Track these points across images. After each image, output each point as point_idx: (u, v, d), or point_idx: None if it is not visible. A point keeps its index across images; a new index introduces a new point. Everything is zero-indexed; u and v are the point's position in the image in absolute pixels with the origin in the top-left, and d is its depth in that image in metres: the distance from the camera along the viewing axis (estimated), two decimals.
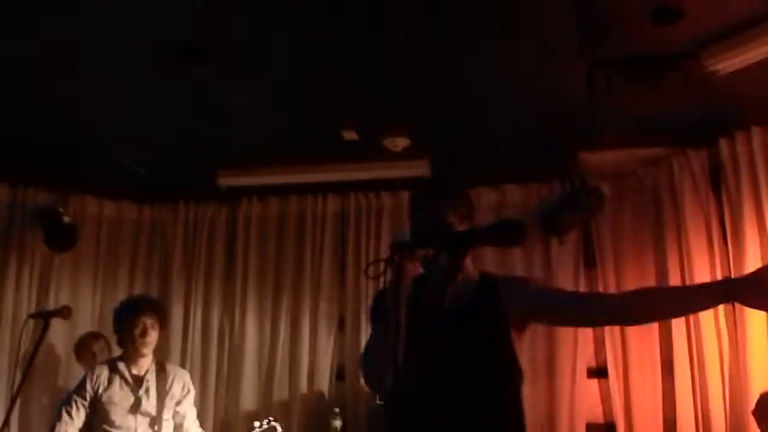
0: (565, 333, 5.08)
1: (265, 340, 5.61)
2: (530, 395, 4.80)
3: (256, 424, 4.04)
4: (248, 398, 5.52)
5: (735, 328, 4.55)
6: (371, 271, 2.17)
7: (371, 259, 5.57)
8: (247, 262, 5.77)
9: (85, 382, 4.08)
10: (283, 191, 5.75)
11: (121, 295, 5.63)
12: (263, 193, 5.78)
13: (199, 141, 5.02)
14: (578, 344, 5.11)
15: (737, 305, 4.48)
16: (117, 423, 4.00)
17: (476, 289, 2.48)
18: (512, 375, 2.45)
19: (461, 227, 2.42)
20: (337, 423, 5.02)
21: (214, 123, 4.74)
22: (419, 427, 2.43)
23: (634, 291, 2.68)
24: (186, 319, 5.69)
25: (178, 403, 4.16)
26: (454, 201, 2.48)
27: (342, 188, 5.66)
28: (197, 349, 5.67)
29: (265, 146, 5.08)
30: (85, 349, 5.15)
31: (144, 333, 4.06)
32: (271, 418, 4.05)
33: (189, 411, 4.20)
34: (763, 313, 4.36)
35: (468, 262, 2.50)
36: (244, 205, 5.85)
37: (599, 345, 5.17)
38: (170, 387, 4.13)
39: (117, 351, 5.45)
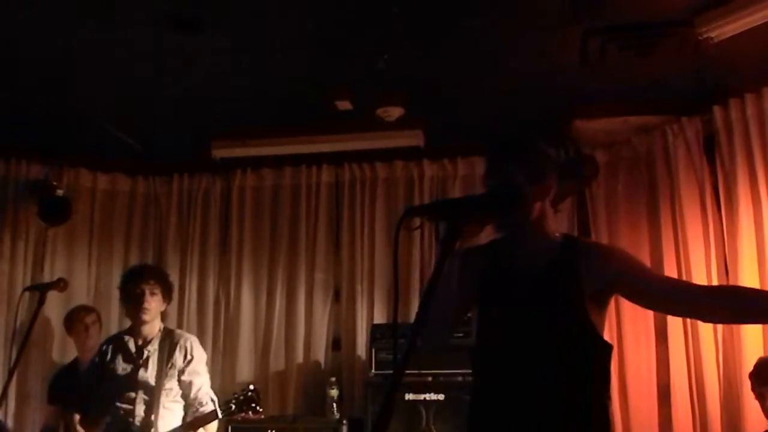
0: None
1: (261, 310, 5.63)
2: None
3: (235, 395, 4.00)
4: (244, 369, 5.55)
5: None
6: (412, 225, 2.08)
7: (366, 229, 5.58)
8: (242, 233, 5.77)
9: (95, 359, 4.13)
10: (277, 162, 5.74)
11: (116, 268, 5.65)
12: (257, 164, 5.77)
13: (193, 112, 5.00)
14: None
15: (730, 272, 4.55)
16: (117, 394, 4.00)
17: (557, 252, 2.35)
18: (592, 349, 2.32)
19: (532, 187, 2.32)
20: (334, 392, 5.05)
21: (208, 94, 4.73)
22: (495, 399, 2.36)
23: (726, 288, 2.53)
24: (181, 291, 5.70)
25: (182, 372, 4.05)
26: (522, 158, 2.37)
27: (336, 159, 5.66)
28: (193, 321, 5.69)
29: (259, 117, 5.07)
30: (75, 322, 5.15)
31: (142, 300, 4.02)
32: (251, 387, 4.03)
33: (195, 379, 4.07)
34: (756, 279, 4.40)
35: (550, 223, 2.38)
36: (239, 177, 5.84)
37: None
38: (172, 355, 4.05)
39: (111, 325, 5.52)
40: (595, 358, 2.32)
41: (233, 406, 3.90)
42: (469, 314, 2.48)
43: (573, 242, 2.41)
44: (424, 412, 4.64)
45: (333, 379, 5.15)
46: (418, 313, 2.12)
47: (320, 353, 5.50)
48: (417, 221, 2.06)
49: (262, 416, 5.03)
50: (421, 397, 4.65)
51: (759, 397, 3.78)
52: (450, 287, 2.34)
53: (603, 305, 2.35)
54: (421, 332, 2.09)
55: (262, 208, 5.79)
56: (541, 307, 2.31)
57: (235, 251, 5.74)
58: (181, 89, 4.65)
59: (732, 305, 2.22)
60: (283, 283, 5.63)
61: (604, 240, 5.20)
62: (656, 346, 4.92)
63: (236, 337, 5.60)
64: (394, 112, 4.85)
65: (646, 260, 5.02)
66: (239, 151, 5.45)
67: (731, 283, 4.53)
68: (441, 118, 5.04)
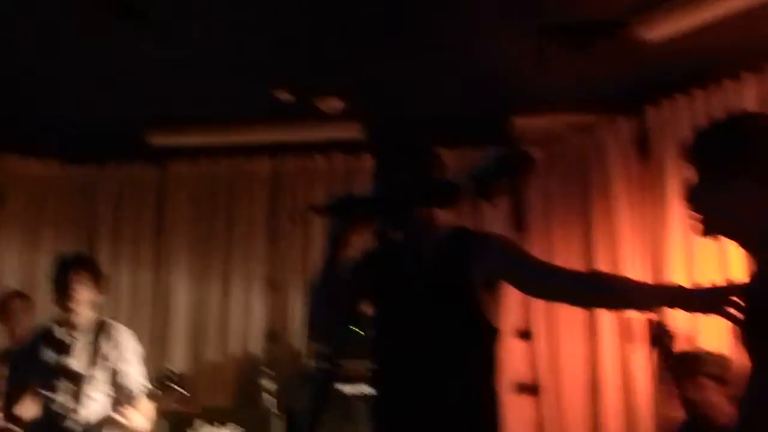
0: None
1: (196, 301, 5.57)
2: None
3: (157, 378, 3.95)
4: (178, 359, 5.48)
5: None
6: (299, 218, 2.18)
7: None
8: (176, 223, 5.70)
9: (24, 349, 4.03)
10: (214, 152, 5.68)
11: (48, 256, 5.52)
12: (194, 153, 5.71)
13: (129, 98, 4.92)
14: (506, 306, 5.18)
15: (664, 266, 4.67)
16: (44, 383, 3.93)
17: (447, 245, 2.47)
18: (478, 334, 2.44)
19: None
20: (268, 384, 5.02)
21: (145, 80, 4.65)
22: (394, 391, 2.46)
23: (590, 274, 2.68)
24: (114, 280, 5.60)
25: (111, 361, 3.97)
26: (415, 160, 2.46)
27: (275, 150, 5.62)
28: (125, 309, 5.59)
29: (196, 105, 5.00)
30: (5, 308, 5.02)
31: (70, 289, 3.95)
32: (173, 369, 3.99)
33: (125, 367, 4.00)
34: (686, 274, 4.52)
35: (441, 216, 2.48)
36: (174, 166, 5.76)
37: (526, 306, 5.26)
38: (100, 345, 3.98)
39: (44, 312, 5.40)
40: (483, 346, 2.45)
41: (156, 390, 3.85)
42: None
43: (462, 234, 2.51)
44: (360, 405, 4.65)
45: (268, 370, 5.11)
46: (311, 306, 2.21)
47: (256, 344, 5.47)
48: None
49: (195, 407, 5.03)
50: (358, 389, 4.66)
51: (691, 389, 3.89)
52: (346, 280, 2.43)
53: (494, 293, 2.48)
54: (316, 325, 2.19)
55: (198, 198, 5.72)
56: (431, 298, 2.43)
57: (170, 241, 5.67)
58: (117, 75, 4.56)
59: (596, 290, 2.39)
60: (219, 273, 5.58)
61: (538, 236, 5.27)
62: (587, 341, 5.01)
63: (169, 327, 5.53)
64: (335, 104, 4.84)
65: (578, 256, 5.13)
66: (176, 140, 5.38)
67: (662, 279, 4.64)
68: (382, 112, 5.05)
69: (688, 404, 3.85)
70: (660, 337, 3.99)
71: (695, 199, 1.91)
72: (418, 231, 2.48)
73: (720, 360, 3.92)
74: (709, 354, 3.99)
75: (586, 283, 2.51)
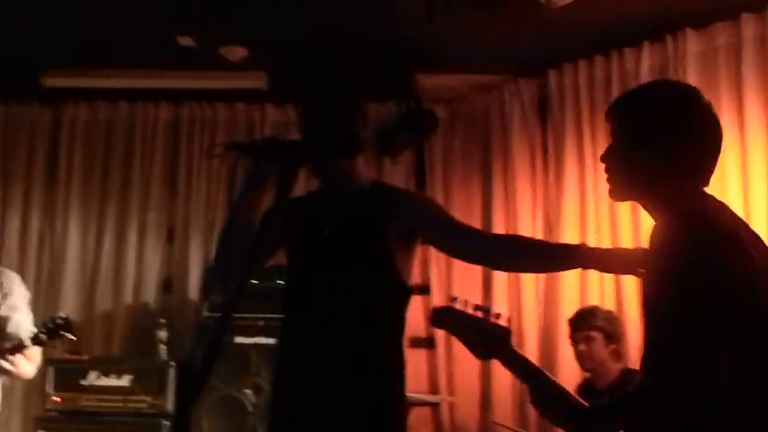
0: None
1: (89, 249, 5.43)
2: None
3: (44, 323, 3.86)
4: (69, 308, 5.32)
5: None
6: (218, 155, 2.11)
7: (203, 170, 5.47)
8: (71, 167, 5.51)
9: None
10: (112, 96, 5.50)
11: None
12: (91, 96, 5.51)
13: (21, 36, 4.70)
14: None
15: (559, 227, 4.80)
16: None
17: (364, 199, 2.46)
18: (389, 290, 2.45)
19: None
20: (162, 334, 4.96)
21: (39, 17, 4.45)
22: (297, 337, 2.47)
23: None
24: (2, 224, 5.41)
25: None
26: (338, 110, 2.46)
27: (175, 96, 5.49)
28: (14, 255, 5.40)
29: (95, 46, 4.82)
30: None
31: None
32: (61, 314, 3.91)
33: (13, 314, 3.89)
34: (577, 236, 4.66)
35: (361, 170, 2.48)
36: (70, 109, 5.56)
37: (424, 263, 5.34)
38: None
39: None
40: (393, 302, 2.47)
41: (42, 335, 3.76)
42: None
43: (381, 189, 2.53)
44: (254, 356, 4.65)
45: (162, 320, 5.05)
46: (223, 254, 2.19)
47: (150, 294, 5.38)
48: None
49: (85, 357, 4.95)
50: (252, 341, 4.65)
51: (573, 342, 4.03)
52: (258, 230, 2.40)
53: (409, 251, 2.48)
54: (228, 273, 2.17)
55: (94, 143, 5.55)
56: (344, 252, 2.44)
57: (63, 185, 5.49)
58: (8, 9, 4.36)
59: (513, 252, 2.46)
60: (114, 220, 5.45)
61: (440, 192, 5.34)
62: (482, 297, 5.12)
63: (60, 275, 5.38)
64: (238, 53, 4.75)
65: (477, 214, 5.22)
66: (72, 82, 5.19)
67: (555, 238, 4.77)
68: (286, 63, 4.98)
69: (580, 357, 4.01)
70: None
71: (610, 159, 1.95)
72: (336, 182, 2.46)
73: (610, 316, 4.08)
74: (600, 309, 4.15)
75: (504, 245, 2.55)
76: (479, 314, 2.17)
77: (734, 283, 1.69)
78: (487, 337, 2.13)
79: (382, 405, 2.40)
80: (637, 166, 1.89)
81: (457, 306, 2.22)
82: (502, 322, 2.14)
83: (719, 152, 1.91)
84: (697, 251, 1.71)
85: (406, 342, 5.13)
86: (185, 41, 4.65)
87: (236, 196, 2.44)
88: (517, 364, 2.09)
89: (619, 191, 1.97)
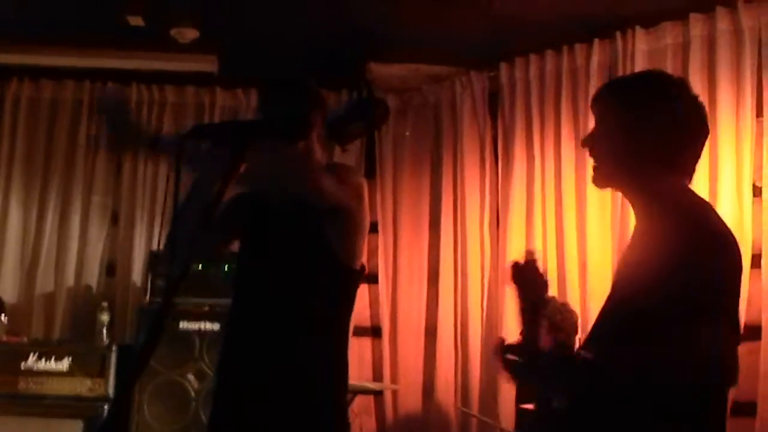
0: None
1: (30, 229, 5.31)
2: None
3: None
4: (8, 289, 5.23)
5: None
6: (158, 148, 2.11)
7: (148, 153, 5.39)
8: (13, 146, 5.38)
9: None
10: (58, 74, 5.39)
11: None
12: (36, 74, 5.38)
13: None
14: None
15: (501, 221, 4.84)
16: None
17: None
18: (328, 273, 2.43)
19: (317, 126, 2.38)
20: (104, 318, 4.89)
21: None
22: (238, 323, 2.47)
23: None
24: None
25: None
26: (291, 95, 2.43)
27: (124, 77, 5.39)
28: None
29: (41, 23, 4.72)
30: None
31: None
32: None
33: None
34: (523, 229, 4.71)
35: (317, 156, 2.45)
36: (14, 86, 5.42)
37: (371, 253, 5.35)
38: None
39: None
40: (336, 286, 2.46)
41: None
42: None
43: (333, 167, 2.52)
44: (197, 342, 4.61)
45: (105, 304, 4.98)
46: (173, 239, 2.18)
47: (92, 277, 5.30)
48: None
49: (25, 340, 4.86)
50: (196, 326, 4.61)
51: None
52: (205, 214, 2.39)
53: (354, 233, 2.46)
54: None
55: (38, 122, 5.42)
56: (286, 237, 2.43)
57: (5, 164, 5.35)
58: None
59: None
60: (57, 202, 5.34)
61: (389, 182, 5.34)
62: (428, 288, 5.15)
63: (0, 255, 5.26)
64: (189, 34, 4.69)
65: (426, 204, 5.26)
66: (16, 58, 5.07)
67: (500, 232, 4.82)
68: (237, 47, 4.93)
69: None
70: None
71: (596, 145, 1.94)
72: (286, 167, 2.44)
73: (562, 308, 4.13)
74: (553, 299, 4.20)
75: None
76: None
77: (720, 278, 1.72)
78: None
79: (322, 391, 2.39)
80: (628, 151, 1.88)
81: (534, 263, 2.12)
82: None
83: (702, 149, 1.92)
84: (691, 248, 1.71)
85: (350, 330, 5.16)
86: (135, 21, 4.57)
87: (191, 181, 2.42)
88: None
89: (605, 178, 1.95)
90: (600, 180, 1.96)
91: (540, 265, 2.09)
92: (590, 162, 1.97)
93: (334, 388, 2.43)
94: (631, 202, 1.95)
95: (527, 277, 2.10)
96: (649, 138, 1.86)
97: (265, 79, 2.57)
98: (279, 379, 2.36)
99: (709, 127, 1.96)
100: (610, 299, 1.88)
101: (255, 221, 2.53)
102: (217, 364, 2.56)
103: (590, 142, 1.96)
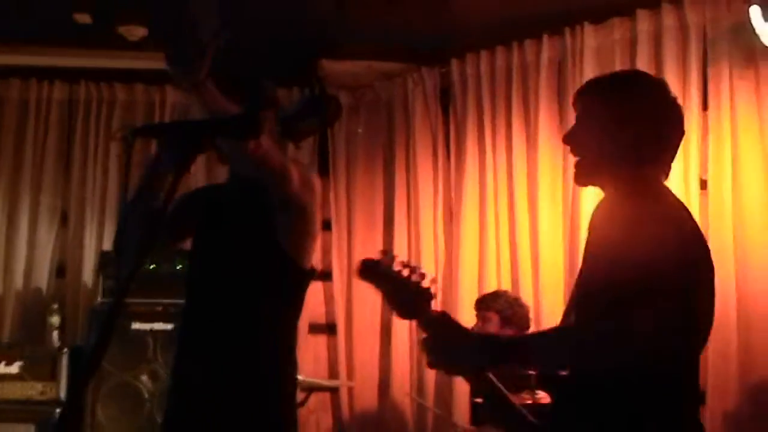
0: None
1: None
2: None
3: None
4: None
5: (451, 238, 4.91)
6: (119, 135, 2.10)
7: (99, 153, 5.32)
8: None
9: None
10: (3, 73, 5.29)
11: None
12: None
13: None
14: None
15: (454, 217, 4.87)
16: None
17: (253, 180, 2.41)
18: (276, 272, 2.42)
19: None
20: (55, 320, 4.82)
21: None
22: (188, 323, 2.49)
23: None
24: None
25: None
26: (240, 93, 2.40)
27: (71, 75, 5.31)
28: None
29: None
30: None
31: None
32: None
33: None
34: (477, 222, 4.75)
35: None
36: None
37: (326, 250, 5.35)
38: None
39: None
40: (284, 285, 2.44)
41: None
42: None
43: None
44: (151, 342, 4.57)
45: (55, 306, 4.91)
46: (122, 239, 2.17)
47: (42, 279, 5.21)
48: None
49: None
50: (149, 326, 4.56)
51: (480, 319, 4.11)
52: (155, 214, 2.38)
53: (304, 231, 2.45)
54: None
55: None
56: (241, 234, 2.42)
57: None
58: None
59: None
60: (4, 203, 5.24)
61: (342, 179, 5.34)
62: None
63: None
64: (138, 32, 4.64)
65: (380, 200, 5.27)
66: None
67: (454, 229, 4.85)
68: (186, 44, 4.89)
69: None
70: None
71: (579, 142, 1.98)
72: (242, 166, 2.42)
73: (514, 302, 4.17)
74: (505, 294, 4.24)
75: None
76: (405, 272, 2.09)
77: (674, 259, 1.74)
78: (410, 298, 2.07)
79: (271, 390, 2.39)
80: (610, 148, 1.92)
81: (385, 261, 2.12)
82: (426, 284, 2.07)
83: (678, 147, 1.98)
84: (648, 225, 1.76)
85: (306, 328, 5.18)
86: (82, 18, 4.51)
87: (139, 180, 2.41)
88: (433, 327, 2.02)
89: (587, 175, 1.98)
90: (582, 177, 1.99)
91: (397, 265, 2.07)
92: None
93: (283, 386, 2.43)
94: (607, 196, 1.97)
95: (380, 276, 2.10)
96: (631, 135, 1.90)
97: (215, 78, 2.55)
98: (228, 378, 2.36)
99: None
100: (579, 279, 1.91)
101: (206, 219, 2.52)
102: (172, 364, 2.55)
103: (571, 140, 1.99)
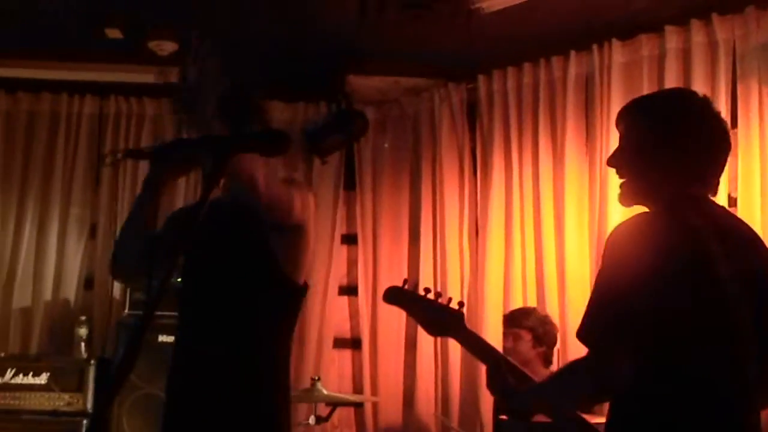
0: (320, 252, 5.22)
1: (7, 242, 5.26)
2: None
3: None
4: None
5: (476, 253, 4.89)
6: (109, 160, 2.15)
7: (129, 166, 5.37)
8: None
9: None
10: (35, 86, 5.36)
11: None
12: (13, 86, 5.36)
13: None
14: (332, 263, 5.26)
15: (480, 232, 4.86)
16: None
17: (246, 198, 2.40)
18: (267, 288, 2.43)
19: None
20: (83, 331, 4.86)
21: None
22: (180, 339, 2.50)
23: None
24: None
25: None
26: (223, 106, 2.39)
27: (102, 90, 5.38)
28: None
29: (18, 35, 4.70)
30: None
31: None
32: None
33: None
34: (502, 239, 4.73)
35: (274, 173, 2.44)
36: None
37: (351, 264, 5.35)
38: None
39: None
40: (276, 301, 2.44)
41: None
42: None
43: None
44: None
45: (83, 318, 4.95)
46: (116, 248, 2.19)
47: (70, 291, 5.25)
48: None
49: (2, 354, 4.82)
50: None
51: (504, 338, 4.09)
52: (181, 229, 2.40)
53: (296, 246, 2.44)
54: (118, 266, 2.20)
55: (14, 134, 5.38)
56: (234, 248, 2.43)
57: None
58: None
59: None
60: (34, 215, 5.30)
61: (368, 194, 5.35)
62: None
63: None
64: (168, 47, 4.69)
65: (405, 216, 5.26)
66: None
67: (480, 244, 4.84)
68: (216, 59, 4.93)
69: (505, 354, 4.06)
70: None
71: (623, 163, 1.98)
72: (241, 183, 2.42)
73: (545, 320, 4.15)
74: (535, 311, 4.22)
75: None
76: (431, 295, 2.28)
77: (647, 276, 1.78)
78: (441, 317, 2.24)
79: (262, 405, 2.39)
80: (654, 167, 1.93)
81: (409, 287, 2.35)
82: (454, 305, 2.25)
83: (725, 162, 2.00)
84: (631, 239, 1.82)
85: (330, 342, 5.19)
86: (113, 33, 4.56)
87: (137, 198, 2.46)
88: (472, 343, 2.24)
89: (632, 195, 1.99)
90: (626, 197, 2.00)
91: (421, 291, 2.31)
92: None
93: (278, 401, 2.42)
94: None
95: (406, 299, 2.35)
96: (673, 155, 1.92)
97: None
98: (223, 393, 2.36)
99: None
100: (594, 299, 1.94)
101: (200, 235, 2.49)
102: (166, 381, 2.53)
103: (616, 162, 2.00)
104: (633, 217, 1.89)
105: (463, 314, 2.25)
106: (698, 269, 1.83)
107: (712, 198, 1.99)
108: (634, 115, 2.01)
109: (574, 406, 2.01)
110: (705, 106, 1.99)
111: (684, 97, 2.10)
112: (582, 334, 1.85)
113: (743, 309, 1.84)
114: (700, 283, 1.83)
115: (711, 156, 1.95)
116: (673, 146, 1.91)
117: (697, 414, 1.80)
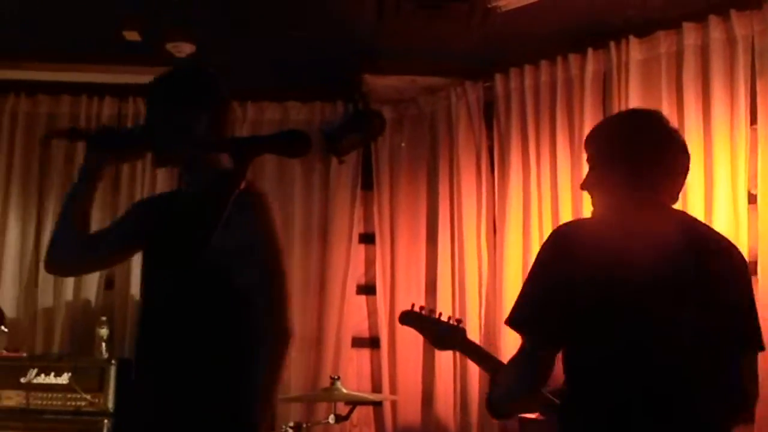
0: (338, 252, 5.24)
1: (28, 244, 5.32)
2: (300, 310, 4.93)
3: None
4: (7, 305, 5.23)
5: (494, 252, 4.89)
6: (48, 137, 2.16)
7: (146, 166, 5.40)
8: (11, 161, 5.40)
9: None
10: (55, 89, 5.41)
11: None
12: (33, 89, 5.41)
13: None
14: (350, 263, 5.27)
15: (498, 231, 4.85)
16: None
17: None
18: (217, 295, 2.31)
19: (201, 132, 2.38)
20: (103, 332, 4.90)
21: None
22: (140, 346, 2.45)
23: None
24: None
25: None
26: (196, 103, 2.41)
27: (121, 91, 5.41)
28: None
29: (37, 38, 4.74)
30: None
31: None
32: None
33: None
34: (520, 237, 4.72)
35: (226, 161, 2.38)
36: (11, 101, 5.44)
37: (369, 264, 5.37)
38: None
39: None
40: (229, 309, 2.32)
41: None
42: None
43: (252, 189, 2.33)
44: None
45: (104, 318, 4.99)
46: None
47: (91, 291, 5.30)
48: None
49: (24, 354, 4.86)
50: None
51: None
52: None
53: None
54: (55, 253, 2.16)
55: (35, 137, 5.43)
56: (180, 254, 2.26)
57: (3, 180, 5.37)
58: None
59: None
60: (55, 215, 5.32)
61: (386, 194, 5.35)
62: (425, 298, 5.14)
63: None
64: (185, 49, 4.72)
65: (423, 215, 5.26)
66: (13, 74, 5.09)
67: (498, 243, 4.84)
68: (233, 60, 4.95)
69: None
70: None
71: (586, 186, 2.33)
72: (205, 180, 2.37)
73: None
74: None
75: None
76: (437, 315, 2.93)
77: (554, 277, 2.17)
78: (445, 333, 2.87)
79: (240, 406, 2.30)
80: (611, 182, 2.20)
81: (421, 310, 2.97)
82: (454, 322, 2.94)
83: (683, 171, 2.25)
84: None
85: (348, 342, 5.20)
86: (131, 36, 4.59)
87: (71, 188, 2.42)
88: (473, 352, 2.91)
89: (597, 207, 2.31)
90: (595, 210, 2.35)
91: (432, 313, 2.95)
92: (585, 170, 2.34)
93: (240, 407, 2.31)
94: None
95: (418, 320, 2.96)
96: (625, 165, 2.19)
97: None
98: (197, 403, 2.29)
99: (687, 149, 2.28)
100: None
101: (160, 232, 2.43)
102: (133, 392, 2.49)
103: (586, 186, 2.34)
104: (572, 220, 2.23)
105: (464, 329, 2.88)
106: (610, 271, 2.03)
107: (670, 205, 2.20)
108: (589, 145, 2.32)
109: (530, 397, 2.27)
110: (655, 120, 2.23)
111: (630, 116, 2.40)
112: (508, 322, 2.23)
113: (667, 308, 2.02)
114: (607, 284, 2.04)
115: (661, 166, 2.17)
116: (622, 159, 2.18)
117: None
